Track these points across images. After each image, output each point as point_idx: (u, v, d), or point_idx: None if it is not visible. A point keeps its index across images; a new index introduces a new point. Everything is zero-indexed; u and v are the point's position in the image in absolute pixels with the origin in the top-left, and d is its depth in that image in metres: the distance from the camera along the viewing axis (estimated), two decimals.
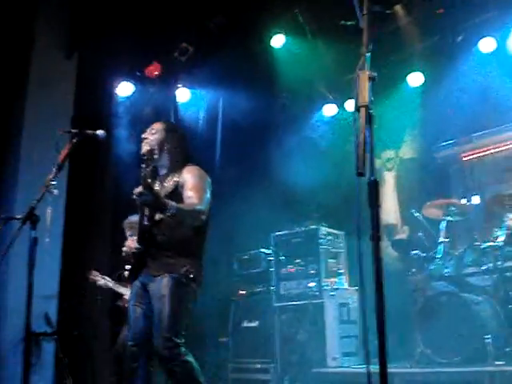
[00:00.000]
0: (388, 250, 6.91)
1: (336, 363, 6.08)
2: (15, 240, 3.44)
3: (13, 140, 6.80)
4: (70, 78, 7.28)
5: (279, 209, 7.37)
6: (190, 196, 3.66)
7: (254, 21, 6.81)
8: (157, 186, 3.84)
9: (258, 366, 6.62)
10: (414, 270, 5.98)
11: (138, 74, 7.63)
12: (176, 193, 3.73)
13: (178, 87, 8.03)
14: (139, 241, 3.75)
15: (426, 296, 5.58)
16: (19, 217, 3.58)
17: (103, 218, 7.29)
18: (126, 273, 3.81)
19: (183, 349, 3.56)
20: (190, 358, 3.59)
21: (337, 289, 6.54)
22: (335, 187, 7.18)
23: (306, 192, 7.47)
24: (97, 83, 7.56)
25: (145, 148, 3.90)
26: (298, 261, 6.80)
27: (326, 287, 6.53)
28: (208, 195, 3.77)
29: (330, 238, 6.85)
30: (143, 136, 3.97)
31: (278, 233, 7.04)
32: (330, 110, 8.28)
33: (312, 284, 6.61)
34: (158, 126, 4.01)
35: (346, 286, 6.70)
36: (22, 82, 6.86)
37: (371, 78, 1.91)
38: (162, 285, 3.61)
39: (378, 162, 8.16)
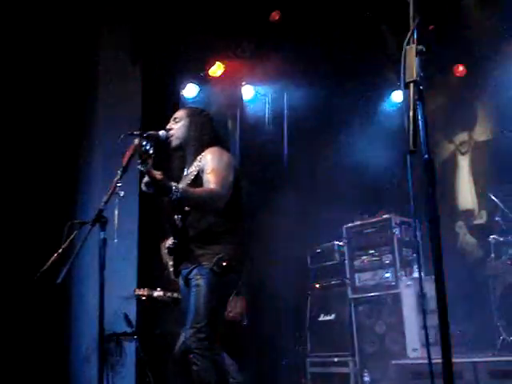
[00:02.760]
0: (466, 237, 6.71)
1: (416, 354, 5.94)
2: (85, 242, 3.50)
3: (85, 146, 7.00)
4: (137, 82, 7.42)
5: (350, 200, 7.28)
6: (208, 180, 3.51)
7: (313, 12, 6.74)
8: (186, 172, 3.77)
9: (336, 359, 6.56)
10: (492, 255, 5.76)
11: (201, 75, 7.70)
12: (199, 178, 3.59)
13: (242, 85, 8.05)
14: (173, 235, 3.68)
15: (506, 282, 5.37)
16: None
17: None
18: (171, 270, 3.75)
19: (216, 345, 3.43)
20: (218, 358, 3.45)
21: (413, 278, 6.40)
22: (405, 174, 7.01)
23: (377, 181, 7.35)
24: (163, 86, 7.68)
25: (174, 142, 3.80)
26: (371, 251, 6.70)
27: (402, 277, 6.40)
28: (230, 178, 3.59)
29: (403, 226, 6.71)
30: (167, 127, 3.86)
31: (349, 224, 6.96)
32: (399, 96, 8.12)
33: (388, 274, 6.50)
34: (180, 114, 3.91)
35: (422, 274, 6.53)
36: (91, 89, 7.05)
37: (419, 53, 1.84)
38: (195, 276, 3.52)
39: (451, 147, 7.93)
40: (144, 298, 5.57)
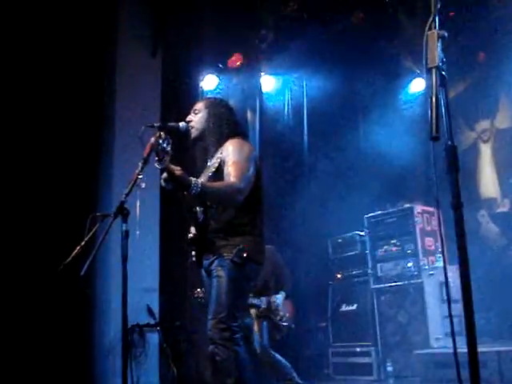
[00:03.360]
0: (489, 226, 6.64)
1: (439, 344, 5.90)
2: (107, 234, 3.52)
3: (106, 139, 7.03)
4: (157, 74, 7.43)
5: (371, 189, 7.24)
6: (229, 173, 3.48)
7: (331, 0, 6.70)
8: (208, 164, 3.76)
9: (358, 349, 6.54)
10: None
11: (220, 66, 7.68)
12: (220, 170, 3.56)
13: (261, 75, 8.03)
14: (194, 227, 3.68)
15: None
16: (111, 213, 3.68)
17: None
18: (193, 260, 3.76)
19: (237, 335, 3.43)
20: (239, 349, 3.43)
21: (436, 267, 6.35)
22: (428, 163, 6.96)
23: (398, 170, 7.29)
24: (182, 78, 7.69)
25: (194, 133, 3.78)
26: (393, 241, 6.66)
27: (424, 266, 6.36)
28: (250, 171, 3.56)
29: (425, 215, 6.66)
30: (187, 119, 3.83)
31: (371, 214, 6.92)
32: (418, 84, 8.03)
33: (410, 264, 6.46)
34: (199, 105, 3.87)
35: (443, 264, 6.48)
36: (111, 82, 7.08)
37: (441, 38, 1.81)
38: (216, 267, 3.52)
39: (472, 135, 7.84)
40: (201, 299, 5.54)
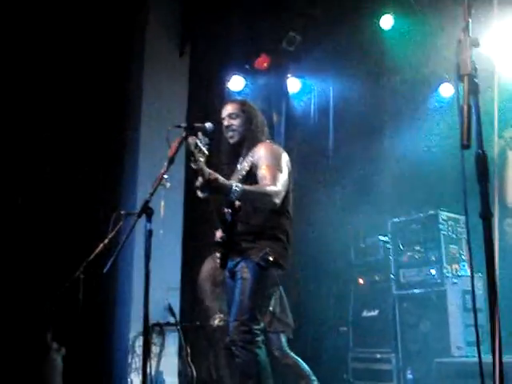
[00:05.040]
0: None
1: (461, 353, 5.83)
2: (131, 233, 3.54)
3: (131, 138, 7.08)
4: (184, 74, 7.47)
5: (396, 195, 7.18)
6: (264, 176, 3.51)
7: (360, 3, 6.66)
8: (238, 167, 3.76)
9: (379, 355, 6.49)
10: None
11: (247, 67, 7.69)
12: (251, 173, 3.59)
13: (287, 77, 8.02)
14: (222, 229, 3.67)
15: None
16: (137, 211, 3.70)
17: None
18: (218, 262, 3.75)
19: (258, 338, 3.46)
20: (260, 352, 3.45)
21: (460, 276, 6.27)
22: (456, 170, 6.87)
23: (424, 176, 7.21)
24: (209, 78, 7.71)
25: (236, 138, 3.81)
26: (417, 248, 6.58)
27: (448, 274, 6.28)
28: (285, 174, 3.58)
29: (450, 222, 6.57)
30: (226, 124, 3.86)
31: (395, 219, 6.85)
32: (447, 89, 7.94)
33: (433, 271, 6.38)
34: (235, 109, 3.89)
35: (469, 272, 6.41)
36: (137, 80, 7.13)
37: (474, 45, 1.79)
38: (241, 269, 3.54)
39: (501, 142, 7.73)
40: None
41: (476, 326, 1.94)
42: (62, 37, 6.46)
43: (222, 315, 5.35)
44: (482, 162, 1.74)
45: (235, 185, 3.34)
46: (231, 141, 3.84)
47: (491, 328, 1.73)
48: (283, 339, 5.41)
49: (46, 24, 6.37)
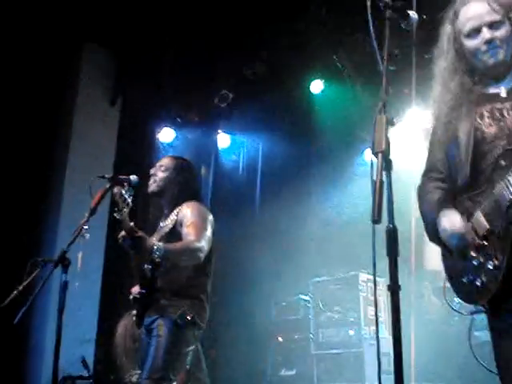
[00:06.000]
0: (431, 298, 6.71)
1: None
2: (46, 283, 3.45)
3: (55, 186, 6.95)
4: (113, 124, 7.44)
5: (317, 254, 7.29)
6: (188, 233, 3.51)
7: (293, 67, 6.87)
8: (161, 224, 3.78)
9: None
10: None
11: (178, 120, 7.74)
12: (175, 231, 3.59)
13: (218, 133, 8.12)
14: (141, 285, 3.61)
15: None
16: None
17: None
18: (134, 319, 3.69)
19: None
20: None
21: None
22: (375, 234, 7.03)
23: (345, 238, 7.36)
24: (139, 129, 7.70)
25: (153, 186, 3.83)
26: (336, 308, 6.65)
27: (365, 336, 6.36)
28: (208, 232, 3.59)
29: (370, 284, 6.69)
30: (152, 172, 3.88)
31: (316, 279, 6.93)
32: (370, 154, 8.19)
33: (352, 332, 6.45)
34: (167, 163, 3.90)
35: (386, 334, 6.51)
36: (66, 127, 7.05)
37: (390, 123, 1.88)
38: (157, 326, 3.49)
39: None
40: None
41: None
42: None
43: (138, 371, 5.23)
44: (392, 237, 1.81)
45: (157, 245, 3.33)
46: (149, 189, 3.84)
47: None
48: None
49: None
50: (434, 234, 2.41)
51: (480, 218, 2.22)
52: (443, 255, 2.44)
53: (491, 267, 2.14)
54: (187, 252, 3.49)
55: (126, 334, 4.81)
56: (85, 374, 6.30)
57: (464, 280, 2.27)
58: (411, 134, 6.89)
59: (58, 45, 6.75)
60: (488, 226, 2.18)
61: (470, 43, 2.35)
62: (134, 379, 5.17)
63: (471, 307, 2.38)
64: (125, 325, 4.83)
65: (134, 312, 3.65)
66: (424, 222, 2.45)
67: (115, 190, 3.42)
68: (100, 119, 7.26)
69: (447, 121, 2.36)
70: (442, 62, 2.46)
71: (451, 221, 2.31)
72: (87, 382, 6.28)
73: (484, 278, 2.17)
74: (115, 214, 3.33)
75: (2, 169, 6.40)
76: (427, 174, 2.54)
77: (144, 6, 6.33)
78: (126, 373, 4.98)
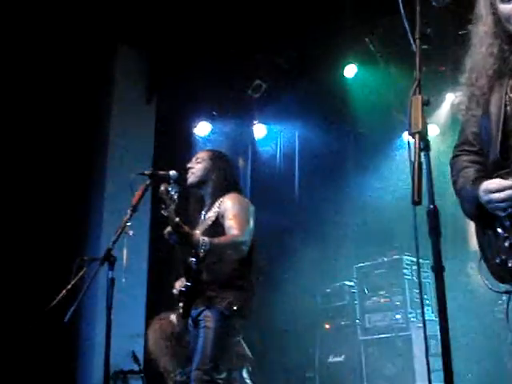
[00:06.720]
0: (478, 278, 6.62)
1: None
2: (93, 280, 3.51)
3: (97, 185, 7.06)
4: (150, 121, 7.53)
5: (361, 239, 7.25)
6: (230, 226, 3.55)
7: (325, 53, 6.82)
8: (204, 215, 3.81)
9: None
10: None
11: (214, 113, 7.78)
12: (217, 223, 3.64)
13: (253, 124, 8.12)
14: (186, 279, 3.66)
15: None
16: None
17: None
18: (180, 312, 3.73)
19: None
20: None
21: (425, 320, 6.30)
22: (419, 215, 6.96)
23: (389, 221, 7.29)
24: (176, 125, 7.77)
25: (191, 178, 3.86)
26: (382, 292, 6.62)
27: (412, 319, 6.32)
28: (250, 225, 3.64)
29: (414, 267, 6.63)
30: (188, 165, 3.91)
31: (360, 264, 6.90)
32: (408, 136, 8.08)
33: (398, 316, 6.42)
34: (203, 155, 3.94)
35: (433, 317, 6.45)
36: (104, 128, 7.15)
37: (425, 103, 1.85)
38: (204, 318, 3.53)
39: None
40: None
41: (428, 371, 1.97)
42: (34, 84, 6.47)
43: (181, 370, 5.29)
44: (434, 218, 1.79)
45: (203, 240, 3.37)
46: (188, 182, 3.88)
47: (444, 375, 1.75)
48: (245, 374, 5.35)
49: (19, 72, 6.39)
50: (470, 208, 2.25)
51: None
52: (476, 233, 2.34)
53: None
54: (231, 246, 3.55)
55: (158, 337, 4.83)
56: (135, 368, 6.42)
57: (497, 261, 2.21)
58: (448, 113, 6.81)
59: (94, 47, 6.86)
60: None
61: (504, 7, 2.26)
62: (178, 378, 5.24)
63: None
64: (154, 330, 4.87)
65: (180, 304, 3.70)
66: (459, 196, 2.32)
67: (161, 187, 3.47)
68: (137, 118, 7.35)
69: (482, 93, 2.26)
70: (481, 26, 2.34)
71: (498, 181, 2.14)
72: (138, 376, 6.40)
73: None
74: (162, 211, 3.38)
75: (46, 170, 6.53)
76: (460, 147, 2.42)
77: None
78: (169, 374, 5.04)
